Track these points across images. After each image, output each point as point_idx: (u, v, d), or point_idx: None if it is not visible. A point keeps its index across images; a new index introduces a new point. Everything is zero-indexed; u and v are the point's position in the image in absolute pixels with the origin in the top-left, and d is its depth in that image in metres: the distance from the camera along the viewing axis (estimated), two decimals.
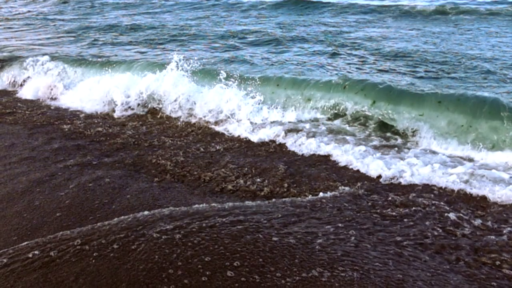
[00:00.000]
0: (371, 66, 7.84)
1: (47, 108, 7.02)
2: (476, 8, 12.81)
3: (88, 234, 3.14)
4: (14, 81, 8.50)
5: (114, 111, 6.57)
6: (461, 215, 3.46)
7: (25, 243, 3.09)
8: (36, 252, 3.02)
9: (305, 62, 8.17)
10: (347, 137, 5.09)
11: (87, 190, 3.99)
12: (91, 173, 4.36)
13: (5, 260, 3.03)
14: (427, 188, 3.91)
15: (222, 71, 6.56)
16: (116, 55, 9.36)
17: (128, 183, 4.14)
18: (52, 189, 4.02)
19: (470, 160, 4.44)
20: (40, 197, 3.84)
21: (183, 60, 6.85)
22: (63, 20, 13.87)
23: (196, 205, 3.55)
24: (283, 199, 3.72)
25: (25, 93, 7.78)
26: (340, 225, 3.28)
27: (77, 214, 3.53)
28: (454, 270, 2.85)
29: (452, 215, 3.44)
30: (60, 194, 3.90)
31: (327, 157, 4.69)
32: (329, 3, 14.25)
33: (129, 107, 6.64)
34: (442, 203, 3.66)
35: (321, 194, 3.81)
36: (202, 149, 5.04)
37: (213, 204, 3.57)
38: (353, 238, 3.12)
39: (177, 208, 3.46)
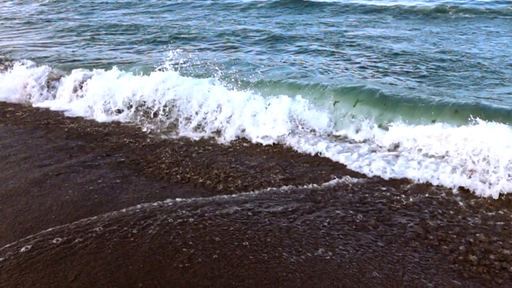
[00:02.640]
0: (371, 66, 8.19)
1: (36, 110, 7.21)
2: (476, 7, 13.23)
3: (110, 222, 3.53)
4: None
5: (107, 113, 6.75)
6: (462, 207, 3.85)
7: (50, 229, 3.47)
8: (60, 238, 3.40)
9: (306, 62, 8.52)
10: (348, 138, 5.49)
11: (115, 184, 4.37)
12: (113, 170, 4.76)
13: (29, 247, 3.41)
14: (428, 184, 4.29)
15: (220, 73, 6.77)
16: (113, 57, 9.61)
17: (139, 181, 4.53)
18: (80, 184, 4.39)
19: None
20: (69, 191, 4.21)
21: (180, 61, 7.04)
22: (62, 19, 14.22)
23: (219, 196, 3.98)
24: (300, 187, 4.17)
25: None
26: (350, 211, 3.72)
27: (104, 204, 3.94)
28: (450, 254, 3.24)
29: (454, 207, 3.84)
30: (89, 188, 4.27)
31: (328, 158, 5.01)
32: (327, 2, 14.65)
33: (118, 110, 6.75)
34: (443, 197, 4.05)
35: (333, 182, 4.25)
36: (203, 149, 5.35)
37: (234, 195, 4.00)
38: (358, 221, 3.54)
39: (200, 198, 3.90)
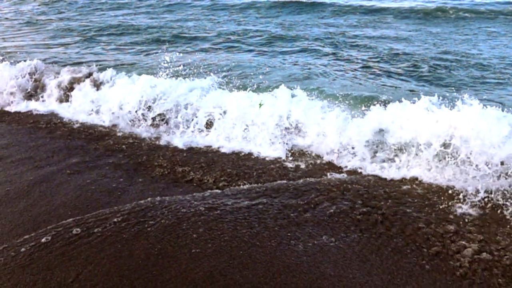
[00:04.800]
0: (372, 67, 8.50)
1: (31, 111, 7.41)
2: (477, 7, 13.61)
3: (128, 213, 3.90)
4: None
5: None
6: (452, 202, 4.21)
7: (70, 219, 3.81)
8: (79, 229, 3.73)
9: (308, 63, 8.85)
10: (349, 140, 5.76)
11: (128, 180, 4.76)
12: (122, 169, 5.12)
13: (50, 238, 3.73)
14: (422, 182, 4.64)
15: (217, 77, 6.90)
16: (112, 59, 9.81)
17: (151, 179, 4.87)
18: (102, 183, 4.73)
19: None
20: (92, 187, 4.56)
21: (178, 64, 7.21)
22: (61, 20, 14.53)
23: (231, 189, 4.39)
24: (313, 179, 4.59)
25: None
26: (359, 202, 4.12)
27: (122, 197, 4.34)
28: (449, 245, 3.59)
29: (451, 202, 4.20)
30: (112, 186, 4.63)
31: (332, 160, 5.32)
32: (327, 3, 15.01)
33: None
34: (439, 193, 4.40)
35: (344, 175, 4.69)
36: (213, 150, 5.65)
37: (255, 185, 4.45)
38: (362, 210, 3.95)
39: (212, 191, 4.32)
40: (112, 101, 6.79)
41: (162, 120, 6.42)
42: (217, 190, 4.39)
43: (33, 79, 8.07)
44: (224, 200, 4.11)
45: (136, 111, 6.51)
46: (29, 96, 7.89)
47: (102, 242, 3.55)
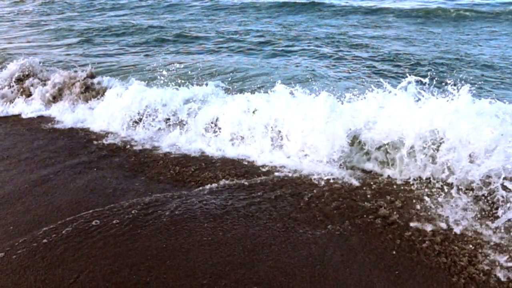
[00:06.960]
0: (373, 68, 8.83)
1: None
2: (478, 8, 13.99)
3: (145, 207, 4.26)
4: None
5: None
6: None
7: (91, 211, 4.16)
8: (98, 221, 4.07)
9: (311, 64, 9.15)
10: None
11: (136, 177, 5.12)
12: (129, 167, 5.46)
13: (70, 229, 4.06)
14: (420, 179, 4.93)
15: (218, 81, 7.09)
16: (110, 61, 10.04)
17: (161, 177, 5.22)
18: (111, 181, 5.03)
19: None
20: (115, 185, 4.86)
21: (176, 66, 7.48)
22: (62, 20, 14.82)
23: (243, 181, 4.78)
24: (317, 176, 4.94)
25: None
26: (362, 196, 4.49)
27: (137, 191, 4.68)
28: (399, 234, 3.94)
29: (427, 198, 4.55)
30: (123, 183, 4.93)
31: None
32: (326, 3, 15.36)
33: None
34: (434, 189, 4.75)
35: (347, 172, 5.04)
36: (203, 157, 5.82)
37: (265, 177, 4.86)
38: (364, 204, 4.33)
39: (231, 182, 4.72)
40: (100, 117, 6.90)
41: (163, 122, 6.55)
42: (229, 182, 4.78)
43: (21, 88, 8.21)
44: (236, 193, 4.49)
45: (123, 129, 6.54)
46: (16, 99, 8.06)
47: (120, 234, 3.88)
